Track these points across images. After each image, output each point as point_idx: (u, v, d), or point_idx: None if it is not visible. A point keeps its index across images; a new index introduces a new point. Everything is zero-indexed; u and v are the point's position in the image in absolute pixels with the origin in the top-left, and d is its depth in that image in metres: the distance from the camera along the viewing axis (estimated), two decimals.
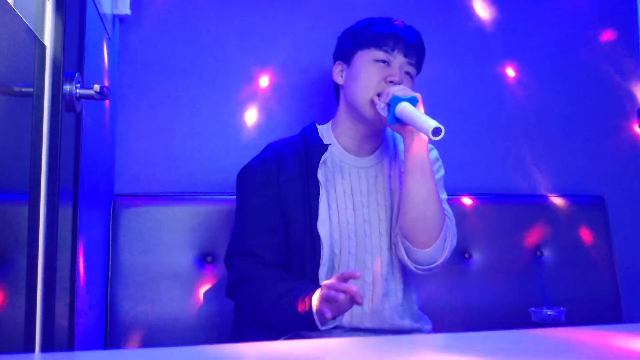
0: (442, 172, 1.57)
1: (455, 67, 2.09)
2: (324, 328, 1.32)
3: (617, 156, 2.19)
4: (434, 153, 1.59)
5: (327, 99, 1.65)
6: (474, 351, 0.73)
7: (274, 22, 1.96)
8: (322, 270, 1.41)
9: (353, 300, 1.25)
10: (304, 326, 1.34)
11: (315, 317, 1.30)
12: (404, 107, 1.36)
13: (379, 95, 1.44)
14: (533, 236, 2.00)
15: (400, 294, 1.50)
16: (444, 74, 2.06)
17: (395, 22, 1.51)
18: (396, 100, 1.38)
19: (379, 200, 1.50)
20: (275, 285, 1.39)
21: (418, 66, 1.53)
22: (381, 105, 1.41)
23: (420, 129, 1.33)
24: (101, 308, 1.64)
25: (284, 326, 1.38)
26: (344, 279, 1.27)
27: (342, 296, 1.23)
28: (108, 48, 1.63)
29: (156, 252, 1.72)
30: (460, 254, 1.92)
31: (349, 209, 1.48)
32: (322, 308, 1.27)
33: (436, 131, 1.29)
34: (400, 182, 1.49)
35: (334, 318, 1.29)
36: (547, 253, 2.00)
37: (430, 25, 2.03)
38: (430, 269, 1.45)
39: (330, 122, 1.58)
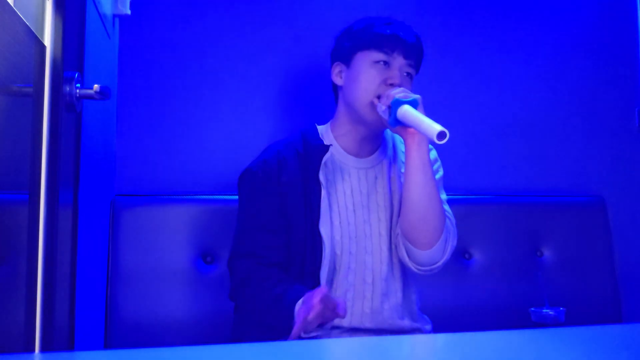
0: (441, 173, 1.57)
1: (454, 67, 2.08)
2: (303, 335, 1.27)
3: (617, 156, 2.19)
4: (433, 153, 1.58)
5: (327, 99, 1.65)
6: (474, 351, 0.73)
7: (274, 21, 1.96)
8: (323, 271, 1.41)
9: (335, 311, 1.21)
10: (289, 329, 1.32)
11: (296, 320, 1.27)
12: (406, 111, 1.36)
13: (379, 97, 1.44)
14: (533, 236, 2.00)
15: (399, 294, 1.50)
16: (444, 73, 2.06)
17: (395, 23, 1.51)
18: (398, 103, 1.37)
19: (379, 201, 1.50)
20: (273, 287, 1.39)
21: (417, 67, 1.53)
22: (382, 107, 1.41)
23: (424, 133, 1.33)
24: (101, 308, 1.64)
25: (279, 328, 1.38)
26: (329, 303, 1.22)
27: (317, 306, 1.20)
28: (108, 48, 1.63)
29: (156, 252, 1.72)
30: (460, 254, 1.92)
31: (349, 210, 1.48)
32: (301, 310, 1.24)
33: (441, 135, 1.28)
34: (400, 183, 1.49)
35: (319, 326, 1.25)
36: (547, 253, 2.00)
37: (430, 24, 2.04)
38: (431, 270, 1.46)
39: (329, 122, 1.58)
